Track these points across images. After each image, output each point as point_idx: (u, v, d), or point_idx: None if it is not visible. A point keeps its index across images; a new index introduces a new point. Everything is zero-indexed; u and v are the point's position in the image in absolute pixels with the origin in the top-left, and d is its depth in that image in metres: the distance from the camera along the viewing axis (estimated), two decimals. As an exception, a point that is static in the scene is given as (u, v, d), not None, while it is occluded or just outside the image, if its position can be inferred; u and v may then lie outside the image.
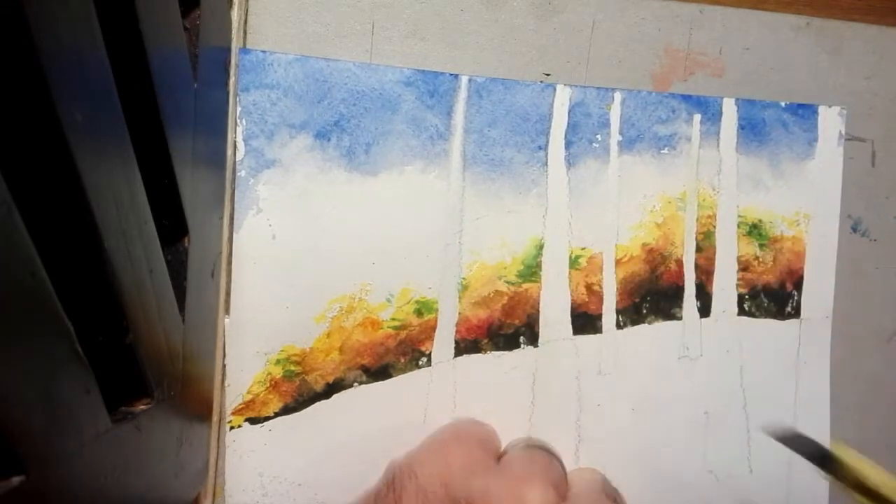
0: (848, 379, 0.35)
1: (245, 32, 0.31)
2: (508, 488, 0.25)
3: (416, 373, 0.33)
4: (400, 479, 0.27)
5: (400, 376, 0.33)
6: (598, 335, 0.34)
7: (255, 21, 0.31)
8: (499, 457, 0.31)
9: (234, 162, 0.31)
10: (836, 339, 0.35)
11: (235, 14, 0.30)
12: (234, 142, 0.31)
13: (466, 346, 0.33)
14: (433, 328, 0.33)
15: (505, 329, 0.33)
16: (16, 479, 0.14)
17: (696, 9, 0.34)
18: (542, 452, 0.31)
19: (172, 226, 0.24)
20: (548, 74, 0.33)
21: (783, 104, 0.35)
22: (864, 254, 0.35)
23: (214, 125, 0.30)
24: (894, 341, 0.36)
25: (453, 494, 0.26)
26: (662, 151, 0.34)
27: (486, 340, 0.33)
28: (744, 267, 0.35)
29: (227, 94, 0.31)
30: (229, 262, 0.31)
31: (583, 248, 0.34)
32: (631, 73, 0.34)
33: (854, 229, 0.35)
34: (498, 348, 0.33)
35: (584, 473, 0.32)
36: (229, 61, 0.30)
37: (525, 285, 0.33)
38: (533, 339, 0.33)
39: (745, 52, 0.34)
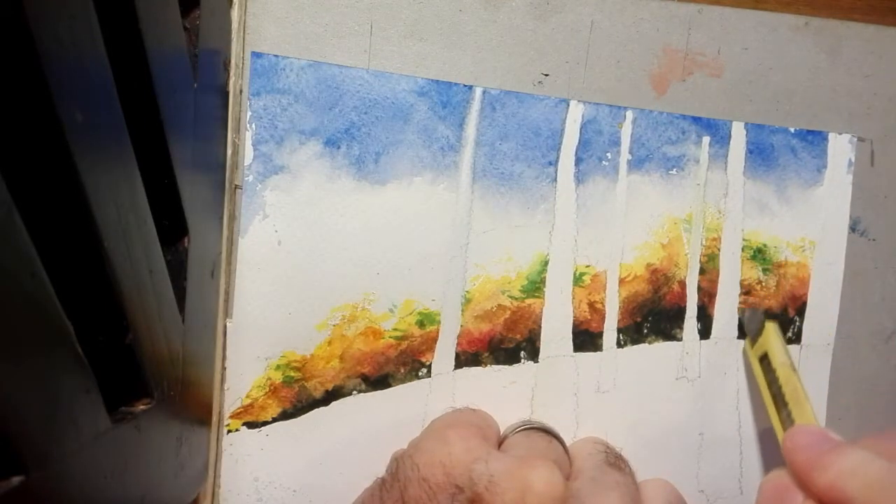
0: (847, 379, 0.35)
1: (244, 33, 0.31)
2: (512, 474, 0.25)
3: (415, 383, 0.33)
4: (403, 469, 0.27)
5: (399, 386, 0.33)
6: (598, 353, 0.34)
7: (253, 22, 0.31)
8: (499, 441, 0.31)
9: (242, 165, 0.31)
10: (836, 338, 0.35)
11: (235, 14, 0.30)
12: (237, 144, 0.31)
13: (467, 358, 0.33)
14: (434, 340, 0.33)
15: (506, 343, 0.33)
16: (16, 479, 0.14)
17: (694, 9, 0.34)
18: (541, 433, 0.31)
19: (172, 226, 0.24)
20: (546, 75, 0.33)
21: (792, 130, 0.35)
22: (863, 254, 0.35)
23: (214, 125, 0.30)
24: (894, 341, 0.36)
25: (455, 482, 0.26)
26: (671, 172, 0.34)
27: (486, 354, 0.33)
28: (746, 291, 0.35)
29: (228, 94, 0.31)
30: (229, 263, 0.31)
31: (587, 266, 0.34)
32: (629, 73, 0.34)
33: (853, 229, 0.35)
34: (498, 362, 0.33)
35: (584, 446, 0.32)
36: (229, 61, 0.30)
37: (528, 300, 0.33)
38: (533, 355, 0.33)
39: (743, 51, 0.34)
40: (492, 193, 0.33)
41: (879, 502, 0.24)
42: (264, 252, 0.32)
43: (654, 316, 0.34)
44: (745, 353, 0.34)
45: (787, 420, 0.30)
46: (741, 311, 0.34)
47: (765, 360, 0.32)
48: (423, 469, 0.27)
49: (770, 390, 0.32)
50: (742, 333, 0.34)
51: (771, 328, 0.32)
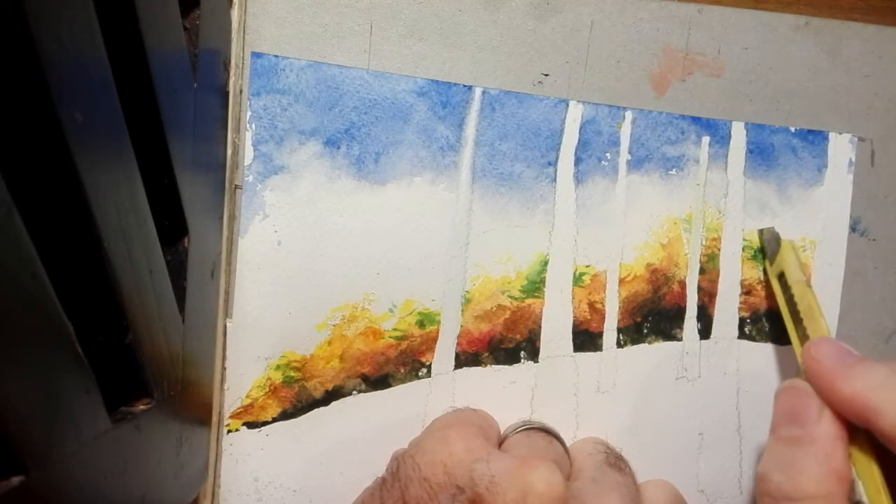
0: (847, 378, 0.35)
1: (244, 33, 0.31)
2: (513, 474, 0.25)
3: (415, 383, 0.33)
4: (404, 469, 0.27)
5: (399, 386, 0.33)
6: (598, 353, 0.34)
7: (253, 22, 0.31)
8: (499, 441, 0.31)
9: (242, 165, 0.31)
10: (836, 338, 0.35)
11: (235, 14, 0.30)
12: (236, 144, 0.31)
13: (467, 358, 0.33)
14: (434, 340, 0.33)
15: (506, 343, 0.33)
16: (16, 479, 0.14)
17: (694, 9, 0.34)
18: (541, 433, 0.31)
19: (172, 226, 0.24)
20: (546, 75, 0.33)
21: (793, 129, 0.35)
22: (863, 254, 0.35)
23: (214, 125, 0.30)
24: (894, 341, 0.36)
25: (457, 482, 0.26)
26: (670, 172, 0.34)
27: (486, 354, 0.33)
28: (746, 290, 0.35)
29: (228, 94, 0.31)
30: (229, 263, 0.31)
31: (587, 266, 0.34)
32: (629, 74, 0.34)
33: (853, 229, 0.35)
34: (498, 362, 0.33)
35: (584, 446, 0.32)
36: (229, 61, 0.30)
37: (528, 300, 0.33)
38: (533, 355, 0.33)
39: (743, 51, 0.34)
40: (491, 193, 0.33)
41: None
42: (264, 252, 0.32)
43: (654, 316, 0.34)
44: (765, 272, 0.34)
45: (803, 336, 0.31)
46: (759, 232, 0.34)
47: (782, 278, 0.32)
48: (424, 469, 0.27)
49: (788, 308, 0.32)
50: (742, 332, 0.34)
51: (787, 246, 0.33)
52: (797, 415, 0.28)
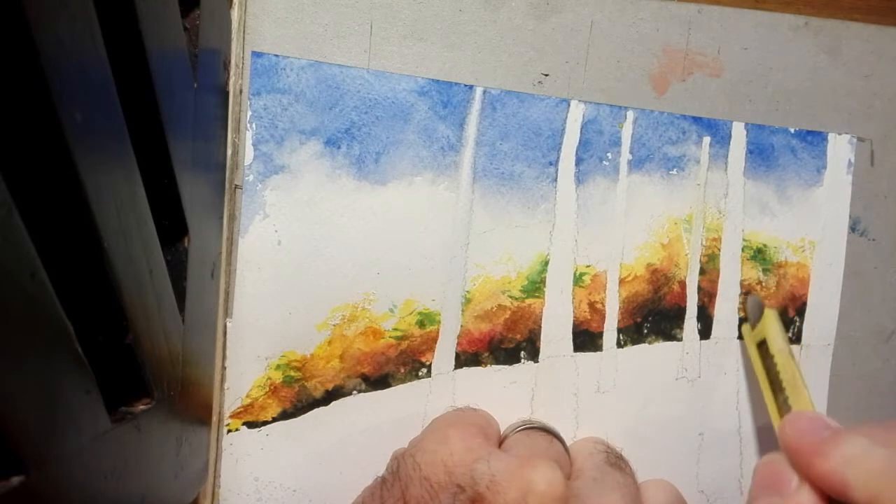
0: (847, 379, 0.35)
1: (244, 33, 0.31)
2: (513, 473, 0.25)
3: (415, 383, 0.33)
4: (404, 468, 0.27)
5: (399, 386, 0.33)
6: (598, 353, 0.34)
7: (253, 22, 0.31)
8: (500, 441, 0.31)
9: (242, 165, 0.31)
10: (836, 338, 0.35)
11: (235, 14, 0.30)
12: (236, 144, 0.31)
13: (467, 358, 0.33)
14: (435, 340, 0.33)
15: (506, 343, 0.33)
16: (16, 479, 0.14)
17: (694, 9, 0.34)
18: (542, 433, 0.31)
19: (172, 226, 0.24)
20: (546, 75, 0.33)
21: (792, 130, 0.35)
22: (863, 254, 0.35)
23: (214, 125, 0.30)
24: (893, 341, 0.36)
25: (457, 481, 0.26)
26: (671, 172, 0.34)
27: (486, 354, 0.33)
28: (746, 291, 0.35)
29: (228, 94, 0.31)
30: (229, 263, 0.31)
31: (587, 266, 0.34)
32: (629, 74, 0.34)
33: (853, 229, 0.35)
34: (498, 362, 0.33)
35: (585, 446, 0.32)
36: (229, 61, 0.30)
37: (528, 300, 0.33)
38: (534, 355, 0.33)
39: (743, 51, 0.34)
40: (492, 193, 0.33)
41: (879, 491, 0.24)
42: (264, 252, 0.32)
43: (654, 316, 0.34)
44: (743, 338, 0.34)
45: (783, 406, 0.30)
46: (742, 298, 0.34)
47: (763, 345, 0.32)
48: (424, 468, 0.27)
49: (767, 376, 0.32)
50: (742, 332, 0.34)
51: (770, 315, 0.32)
52: (776, 485, 0.28)
